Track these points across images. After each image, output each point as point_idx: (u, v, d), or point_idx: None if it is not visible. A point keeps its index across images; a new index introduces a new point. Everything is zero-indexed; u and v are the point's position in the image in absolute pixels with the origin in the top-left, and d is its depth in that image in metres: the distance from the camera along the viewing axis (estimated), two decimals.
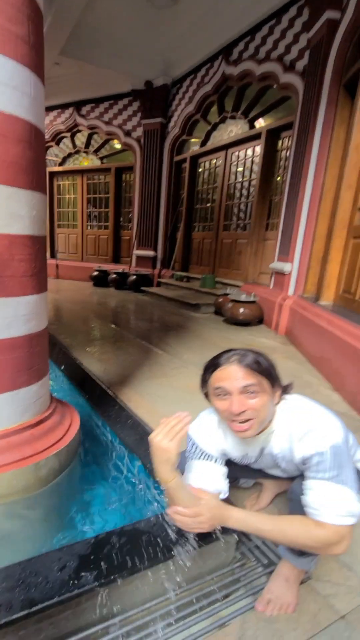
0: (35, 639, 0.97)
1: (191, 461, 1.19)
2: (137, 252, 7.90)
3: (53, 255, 9.22)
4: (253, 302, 4.69)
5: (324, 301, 3.78)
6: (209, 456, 1.18)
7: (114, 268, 7.96)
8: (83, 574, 1.03)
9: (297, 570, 1.18)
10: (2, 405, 1.31)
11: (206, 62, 5.89)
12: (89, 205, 8.78)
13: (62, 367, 2.66)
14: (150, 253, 7.70)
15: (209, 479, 1.14)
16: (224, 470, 1.19)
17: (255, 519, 1.05)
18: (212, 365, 1.09)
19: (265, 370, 1.06)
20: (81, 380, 2.48)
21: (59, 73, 6.87)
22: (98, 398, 2.21)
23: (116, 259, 8.67)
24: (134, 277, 7.32)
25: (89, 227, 8.89)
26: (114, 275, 7.59)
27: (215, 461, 1.18)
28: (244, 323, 4.74)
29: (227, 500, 1.19)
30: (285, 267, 4.47)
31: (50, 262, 8.94)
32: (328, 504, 0.97)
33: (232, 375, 1.03)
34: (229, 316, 4.78)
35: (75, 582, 1.00)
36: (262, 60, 4.77)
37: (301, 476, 1.11)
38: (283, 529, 1.01)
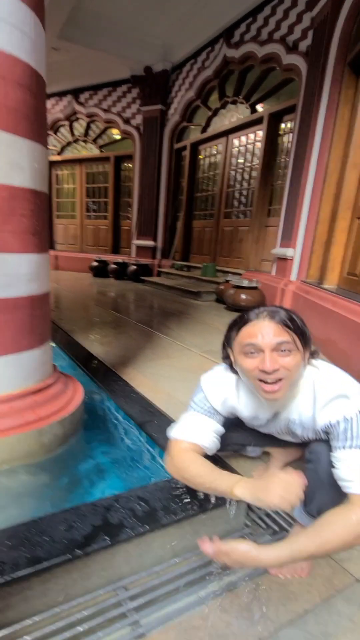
0: (42, 600, 0.94)
1: (191, 412, 1.13)
2: (136, 242, 7.83)
3: (52, 247, 9.14)
4: (255, 288, 4.65)
5: (328, 285, 3.73)
6: (211, 411, 1.12)
7: (113, 258, 7.89)
8: (90, 534, 0.99)
9: None
10: (4, 368, 1.27)
11: (207, 46, 5.80)
12: (87, 195, 8.69)
13: (65, 349, 2.62)
14: (150, 243, 7.63)
15: (199, 432, 1.09)
16: (219, 428, 1.13)
17: (289, 545, 0.87)
18: (241, 321, 1.01)
19: (298, 328, 0.98)
20: (84, 359, 2.44)
21: (57, 59, 6.76)
22: (102, 375, 2.17)
23: (116, 250, 8.60)
24: (134, 267, 7.26)
25: (88, 218, 8.81)
26: (114, 266, 7.53)
27: (214, 417, 1.12)
28: (246, 309, 4.69)
29: (229, 469, 1.15)
30: (288, 252, 4.42)
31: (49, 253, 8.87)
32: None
33: (264, 330, 0.96)
34: (231, 303, 4.74)
35: (82, 542, 0.96)
36: (264, 42, 4.69)
37: (320, 440, 1.07)
38: (324, 536, 0.85)
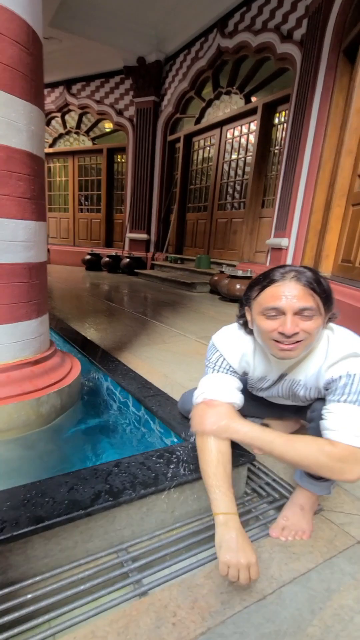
0: (44, 561, 0.92)
1: (210, 374, 1.10)
2: (130, 235, 7.79)
3: None
4: (249, 277, 4.65)
5: (322, 272, 3.75)
6: (230, 369, 1.10)
7: (106, 252, 7.85)
8: (91, 496, 0.98)
9: (313, 498, 1.14)
10: (1, 338, 1.24)
11: (200, 36, 5.77)
12: (80, 188, 8.62)
13: (61, 333, 2.60)
14: (144, 236, 7.60)
15: (225, 390, 1.06)
16: (240, 385, 1.11)
17: (266, 433, 0.96)
18: (264, 280, 0.96)
19: (325, 291, 0.95)
20: (80, 343, 2.42)
21: (49, 49, 6.67)
22: (98, 357, 2.15)
23: (109, 243, 8.55)
24: (127, 260, 7.23)
25: (81, 211, 8.73)
26: (107, 259, 7.50)
27: (233, 374, 1.10)
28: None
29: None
30: (282, 242, 4.43)
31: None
32: (348, 424, 0.90)
33: (290, 293, 0.92)
34: (225, 292, 4.74)
35: (83, 503, 0.95)
36: (258, 31, 4.68)
37: (322, 399, 1.06)
38: (295, 445, 0.93)
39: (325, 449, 0.91)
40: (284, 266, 0.97)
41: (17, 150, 1.13)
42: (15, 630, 0.81)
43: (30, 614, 0.84)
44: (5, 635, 0.80)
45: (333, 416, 0.93)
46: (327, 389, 1.00)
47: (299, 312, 0.92)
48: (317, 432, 1.02)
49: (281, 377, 1.12)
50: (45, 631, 0.81)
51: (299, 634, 0.83)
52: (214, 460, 0.98)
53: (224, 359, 1.10)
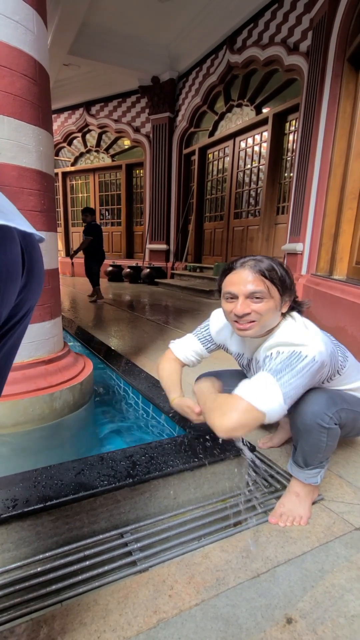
0: (52, 539, 1.00)
1: (190, 334, 1.38)
2: (149, 246, 7.98)
3: (68, 254, 9.40)
4: None
5: (337, 275, 3.74)
6: (206, 338, 1.34)
7: (127, 263, 8.07)
8: (96, 479, 1.06)
9: (308, 487, 1.18)
10: None
11: (211, 54, 5.95)
12: (101, 203, 8.92)
13: (80, 339, 2.73)
14: (163, 246, 7.76)
15: (185, 350, 1.34)
16: (204, 352, 1.35)
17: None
18: (227, 269, 1.11)
19: (278, 277, 1.04)
20: (98, 347, 2.53)
21: (68, 75, 7.07)
22: (113, 359, 2.25)
23: (129, 254, 8.77)
24: (148, 270, 7.41)
25: (102, 225, 9.02)
26: (128, 270, 7.71)
27: (205, 344, 1.34)
28: None
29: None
30: (297, 247, 4.45)
31: (66, 260, 9.11)
32: (249, 383, 0.97)
33: (242, 280, 1.04)
34: None
35: (88, 485, 1.03)
36: (266, 45, 4.80)
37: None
38: (206, 398, 1.06)
39: (217, 398, 1.02)
40: (245, 256, 1.10)
41: (28, 169, 1.26)
42: (27, 597, 0.89)
43: (41, 584, 0.92)
44: (18, 599, 0.88)
45: (248, 380, 1.00)
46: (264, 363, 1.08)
47: (250, 296, 1.04)
48: (294, 423, 1.13)
49: (253, 356, 1.22)
50: (53, 598, 0.89)
51: (289, 608, 0.87)
52: (167, 374, 1.30)
53: (208, 327, 1.34)
